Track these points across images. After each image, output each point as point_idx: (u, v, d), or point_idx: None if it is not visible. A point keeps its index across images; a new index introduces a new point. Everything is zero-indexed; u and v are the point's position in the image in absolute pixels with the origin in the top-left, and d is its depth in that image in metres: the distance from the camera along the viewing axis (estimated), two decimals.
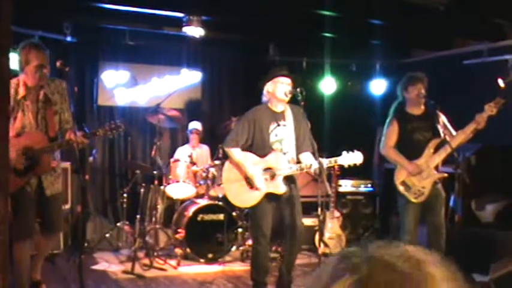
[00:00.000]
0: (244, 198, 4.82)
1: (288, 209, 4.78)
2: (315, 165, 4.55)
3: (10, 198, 4.15)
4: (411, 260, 0.81)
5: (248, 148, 4.84)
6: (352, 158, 4.67)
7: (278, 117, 4.83)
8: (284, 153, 4.80)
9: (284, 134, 4.81)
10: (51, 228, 4.49)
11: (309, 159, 4.77)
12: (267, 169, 4.77)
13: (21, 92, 4.20)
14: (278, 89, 4.75)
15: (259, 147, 4.79)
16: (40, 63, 4.13)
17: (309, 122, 4.80)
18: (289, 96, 4.73)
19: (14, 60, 5.31)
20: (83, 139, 4.22)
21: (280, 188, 4.75)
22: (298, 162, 4.82)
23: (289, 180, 4.80)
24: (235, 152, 4.81)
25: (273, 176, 4.74)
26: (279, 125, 4.81)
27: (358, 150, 4.77)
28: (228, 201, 6.59)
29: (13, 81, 4.13)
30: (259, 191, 4.74)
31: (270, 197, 4.77)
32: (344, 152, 4.68)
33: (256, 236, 4.84)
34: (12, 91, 4.07)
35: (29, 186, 4.26)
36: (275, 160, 4.76)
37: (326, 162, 4.59)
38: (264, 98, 4.89)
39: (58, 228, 4.61)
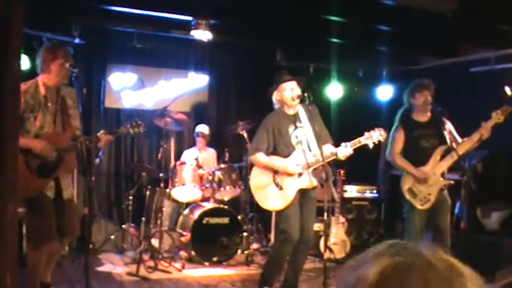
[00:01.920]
0: (276, 201, 4.77)
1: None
2: (340, 152, 4.57)
3: (32, 202, 4.16)
4: (454, 268, 0.88)
5: (272, 153, 4.83)
6: (375, 135, 4.65)
7: (294, 119, 4.86)
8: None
9: (303, 134, 4.82)
10: (67, 232, 4.47)
11: (331, 149, 4.74)
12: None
13: (42, 91, 4.29)
14: (285, 96, 4.80)
15: (284, 150, 4.79)
16: (65, 61, 4.27)
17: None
18: (298, 100, 4.77)
19: (25, 61, 5.44)
20: (109, 136, 4.49)
21: (310, 181, 4.73)
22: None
23: None
24: (260, 156, 4.80)
25: (300, 173, 4.74)
26: (296, 127, 4.83)
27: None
28: (234, 205, 6.67)
29: (32, 82, 4.27)
30: (294, 179, 4.69)
31: (300, 195, 4.74)
32: (365, 132, 4.67)
33: (285, 238, 4.75)
34: (33, 90, 4.22)
35: (49, 191, 4.30)
36: (300, 156, 4.75)
37: (350, 144, 4.58)
38: (276, 106, 4.94)
39: (73, 232, 4.60)
